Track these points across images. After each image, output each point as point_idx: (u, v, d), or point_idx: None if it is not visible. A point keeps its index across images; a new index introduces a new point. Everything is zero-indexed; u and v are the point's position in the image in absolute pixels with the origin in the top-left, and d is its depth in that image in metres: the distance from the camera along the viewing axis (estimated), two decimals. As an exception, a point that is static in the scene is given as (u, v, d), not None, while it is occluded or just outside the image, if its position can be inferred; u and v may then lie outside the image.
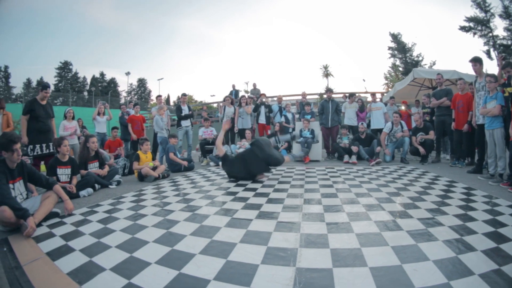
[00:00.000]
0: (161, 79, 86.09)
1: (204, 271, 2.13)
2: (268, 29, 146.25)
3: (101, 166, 6.03)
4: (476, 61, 5.91)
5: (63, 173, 5.06)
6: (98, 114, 9.45)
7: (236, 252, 2.44)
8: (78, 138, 7.66)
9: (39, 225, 3.34)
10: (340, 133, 8.78)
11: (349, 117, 9.79)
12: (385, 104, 10.15)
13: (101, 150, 7.35)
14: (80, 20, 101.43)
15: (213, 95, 19.22)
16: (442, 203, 3.69)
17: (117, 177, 6.16)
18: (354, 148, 7.94)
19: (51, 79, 58.97)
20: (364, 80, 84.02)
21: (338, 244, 2.50)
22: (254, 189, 4.82)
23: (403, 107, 10.71)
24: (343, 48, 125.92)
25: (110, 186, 5.70)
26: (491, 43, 34.61)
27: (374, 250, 2.37)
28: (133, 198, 4.66)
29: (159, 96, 10.26)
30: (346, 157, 8.03)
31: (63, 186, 4.43)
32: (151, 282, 2.03)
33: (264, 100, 10.77)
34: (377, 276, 1.97)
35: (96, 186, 5.43)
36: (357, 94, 11.03)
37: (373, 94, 10.65)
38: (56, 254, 2.58)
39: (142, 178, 6.26)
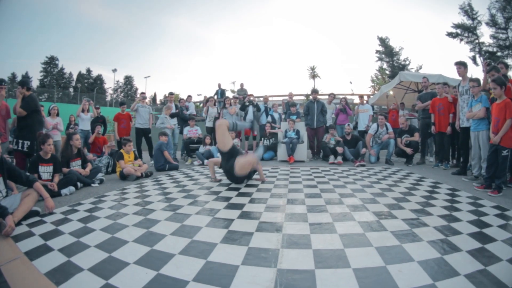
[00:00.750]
0: (148, 77, 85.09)
1: (183, 271, 2.08)
2: (257, 30, 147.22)
3: (84, 164, 5.90)
4: (461, 65, 5.97)
5: (45, 170, 4.93)
6: (83, 111, 9.26)
7: (217, 253, 2.39)
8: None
9: (18, 224, 3.25)
10: (327, 133, 8.74)
11: (327, 117, 9.78)
12: (372, 107, 10.19)
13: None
14: (69, 14, 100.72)
15: (200, 94, 19.16)
16: (427, 203, 3.68)
17: (100, 175, 6.05)
18: (339, 149, 7.92)
19: (36, 74, 58.19)
20: (351, 83, 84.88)
21: (321, 245, 2.46)
22: (237, 189, 4.75)
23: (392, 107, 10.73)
24: (331, 50, 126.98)
25: (92, 185, 5.58)
26: (477, 50, 35.29)
27: (358, 251, 2.33)
28: (115, 197, 4.57)
29: (142, 93, 10.12)
30: (331, 158, 8.01)
31: (44, 184, 4.34)
32: (128, 282, 1.98)
33: (252, 99, 10.71)
34: (361, 278, 1.93)
35: (78, 184, 5.30)
36: (341, 96, 11.02)
37: (361, 97, 10.67)
38: (34, 254, 2.51)
39: (124, 177, 6.15)
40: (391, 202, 3.76)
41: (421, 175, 5.88)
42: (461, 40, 36.72)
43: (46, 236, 2.92)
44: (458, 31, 36.72)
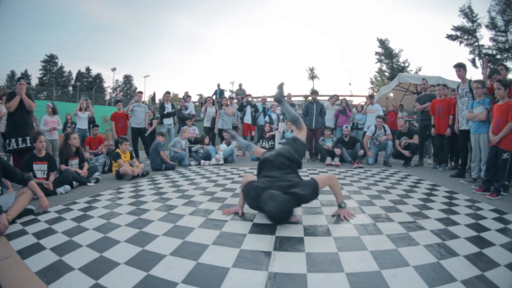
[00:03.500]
0: (147, 76, 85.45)
1: (173, 273, 2.06)
2: (257, 31, 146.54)
3: (81, 163, 5.91)
4: (460, 67, 5.91)
5: (39, 169, 4.90)
6: (80, 109, 9.21)
7: (208, 254, 2.36)
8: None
9: (12, 222, 3.24)
10: (324, 135, 8.69)
11: (328, 119, 9.74)
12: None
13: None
14: (69, 13, 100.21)
15: (199, 94, 19.11)
16: (424, 206, 3.63)
17: (96, 174, 6.03)
18: (337, 151, 7.87)
19: (35, 72, 57.97)
20: (350, 84, 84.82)
21: (315, 248, 2.41)
22: (232, 190, 4.71)
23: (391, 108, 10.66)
24: (331, 51, 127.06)
25: (88, 184, 5.55)
26: (476, 52, 35.20)
27: (352, 254, 2.29)
28: (110, 196, 4.55)
29: (139, 93, 10.05)
30: (328, 159, 7.96)
31: (39, 183, 4.32)
32: (118, 283, 1.97)
33: (250, 99, 10.68)
34: (354, 283, 1.89)
35: (74, 183, 5.28)
36: (341, 98, 10.96)
37: (370, 96, 10.56)
38: (27, 253, 2.51)
39: (121, 176, 6.12)
40: (388, 205, 3.71)
41: (419, 177, 5.82)
42: (461, 42, 36.66)
43: (39, 235, 2.91)
44: (458, 33, 36.65)
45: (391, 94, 12.32)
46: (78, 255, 2.41)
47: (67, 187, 4.96)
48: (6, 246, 2.65)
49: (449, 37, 37.43)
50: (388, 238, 2.59)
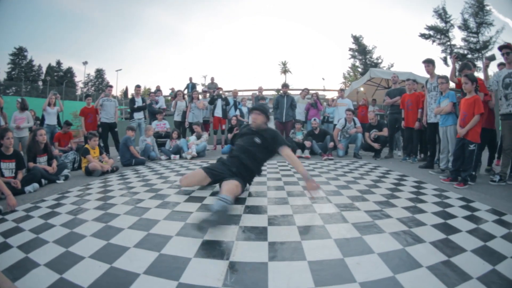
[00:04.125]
0: (119, 70, 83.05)
1: (136, 264, 2.06)
2: (231, 25, 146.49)
3: (50, 160, 5.70)
4: (429, 62, 6.04)
5: (7, 167, 4.69)
6: (49, 105, 8.85)
7: (171, 245, 2.35)
8: (30, 129, 7.12)
9: None
10: (294, 128, 8.66)
11: (299, 112, 9.75)
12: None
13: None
14: (39, 3, 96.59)
15: (171, 88, 18.79)
16: (392, 196, 3.62)
17: (65, 171, 5.81)
18: (307, 143, 7.89)
19: (3, 66, 55.59)
20: (323, 79, 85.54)
21: (277, 237, 2.37)
22: (200, 182, 4.57)
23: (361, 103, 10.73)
24: (304, 46, 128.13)
25: (57, 181, 5.35)
26: (448, 51, 36.21)
27: (315, 243, 2.25)
28: (79, 192, 4.40)
29: (109, 87, 9.76)
30: (298, 152, 7.93)
31: (7, 181, 4.15)
32: (81, 276, 1.94)
33: (221, 92, 10.54)
34: (316, 270, 1.84)
35: (43, 181, 5.10)
36: (313, 92, 10.97)
37: (340, 90, 10.61)
38: None
39: (90, 172, 5.94)
40: (355, 194, 3.68)
41: (388, 168, 5.87)
42: (434, 41, 37.64)
43: (6, 234, 2.81)
44: (431, 32, 37.60)
45: (362, 89, 12.49)
46: (44, 251, 2.38)
47: (36, 185, 4.78)
48: None
49: (422, 35, 38.37)
50: (353, 226, 2.55)
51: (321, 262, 1.93)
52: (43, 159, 5.52)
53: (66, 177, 5.62)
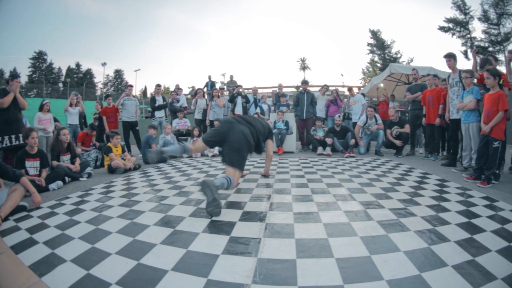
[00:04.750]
0: (138, 70, 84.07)
1: (163, 261, 2.07)
2: (249, 22, 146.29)
3: (73, 158, 5.84)
4: (451, 57, 5.90)
5: (32, 165, 4.85)
6: (70, 105, 9.08)
7: (198, 242, 2.36)
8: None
9: (5, 219, 3.22)
10: (315, 125, 8.69)
11: (319, 109, 9.70)
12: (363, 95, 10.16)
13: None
14: (57, 8, 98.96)
15: (191, 87, 18.87)
16: (415, 194, 3.62)
17: (88, 169, 5.95)
18: (329, 140, 7.90)
19: (25, 70, 57.31)
20: (342, 75, 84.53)
21: (304, 234, 2.40)
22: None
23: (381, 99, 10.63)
24: (323, 42, 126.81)
25: (80, 179, 5.51)
26: (468, 44, 35.32)
27: (342, 240, 2.28)
28: (102, 190, 4.50)
29: (129, 86, 9.93)
30: (320, 149, 7.97)
31: (32, 179, 4.27)
32: (108, 272, 1.97)
33: (240, 90, 10.60)
34: (344, 268, 1.87)
35: (66, 179, 5.23)
36: (332, 88, 10.95)
37: (349, 89, 10.55)
38: (19, 247, 2.50)
39: (113, 170, 6.08)
40: (379, 192, 3.70)
41: (411, 166, 5.83)
42: (453, 34, 36.76)
43: (32, 230, 2.90)
44: (450, 25, 36.74)
45: (382, 85, 12.35)
46: (70, 247, 2.41)
47: (60, 183, 4.91)
48: (0, 243, 2.64)
49: (442, 28, 37.53)
50: (378, 224, 2.58)
51: (348, 260, 1.96)
52: (66, 158, 5.66)
53: (89, 175, 5.77)
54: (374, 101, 10.92)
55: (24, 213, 3.45)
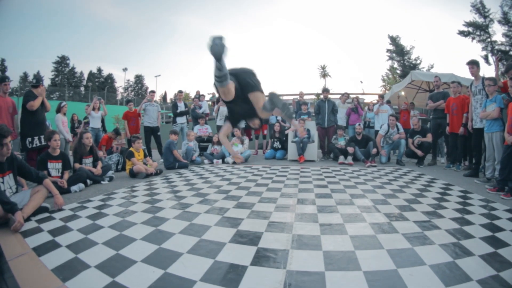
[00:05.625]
0: (159, 75, 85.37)
1: (191, 271, 2.07)
2: (268, 29, 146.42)
3: (95, 162, 5.99)
4: (473, 64, 5.85)
5: (54, 167, 4.98)
6: (93, 109, 9.36)
7: (225, 252, 2.37)
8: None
9: (27, 219, 3.30)
10: (336, 133, 8.72)
11: (339, 117, 9.71)
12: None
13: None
14: (79, 14, 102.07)
15: (211, 93, 18.86)
16: (439, 206, 3.63)
17: (109, 173, 6.10)
18: (350, 149, 7.90)
19: (48, 73, 58.93)
20: (361, 82, 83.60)
21: (332, 246, 2.44)
22: (247, 188, 4.76)
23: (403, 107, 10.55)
24: (342, 49, 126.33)
25: (102, 182, 5.64)
26: (489, 48, 34.62)
27: (368, 253, 2.31)
28: (124, 194, 4.60)
29: (152, 92, 10.16)
30: (341, 158, 7.99)
31: (54, 181, 4.38)
32: (135, 281, 1.97)
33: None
34: (372, 281, 1.90)
35: (88, 181, 5.36)
36: (352, 96, 10.95)
37: (380, 96, 10.50)
38: (42, 250, 2.53)
39: (134, 174, 6.20)
40: (402, 204, 3.72)
41: (433, 176, 5.81)
42: (473, 38, 36.06)
43: (54, 232, 2.96)
44: (470, 29, 36.09)
45: (403, 93, 12.24)
46: (94, 252, 2.44)
47: (81, 185, 5.04)
48: (22, 243, 2.69)
49: (461, 33, 36.90)
50: (403, 237, 2.60)
51: (375, 273, 1.98)
52: (88, 161, 5.82)
53: (111, 178, 5.91)
54: (395, 109, 10.84)
55: (46, 214, 3.56)
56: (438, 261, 2.14)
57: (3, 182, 3.57)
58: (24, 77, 53.81)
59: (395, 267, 2.06)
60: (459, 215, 3.23)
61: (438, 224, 2.93)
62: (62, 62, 60.78)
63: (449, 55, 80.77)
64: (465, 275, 1.95)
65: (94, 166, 5.89)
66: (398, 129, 8.10)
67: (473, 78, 5.97)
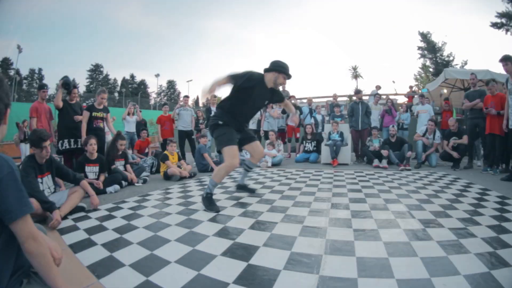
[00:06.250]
0: (190, 80, 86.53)
1: (224, 273, 2.11)
2: (298, 32, 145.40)
3: (126, 165, 6.18)
4: (507, 60, 5.62)
5: (91, 170, 5.21)
6: (128, 114, 9.68)
7: (259, 256, 2.40)
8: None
9: (64, 218, 3.51)
10: (371, 135, 8.64)
11: (373, 119, 9.58)
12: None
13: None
14: (111, 24, 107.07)
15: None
16: (475, 212, 3.54)
17: (144, 174, 6.28)
18: (385, 152, 7.80)
19: (82, 81, 61.58)
20: (393, 82, 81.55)
21: (365, 253, 2.43)
22: (280, 192, 4.80)
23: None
24: (373, 49, 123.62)
25: (136, 184, 5.82)
26: (525, 40, 32.75)
27: (402, 260, 2.29)
28: (159, 196, 4.74)
29: (186, 97, 10.37)
30: (375, 161, 7.90)
31: (90, 182, 4.58)
32: (169, 281, 2.03)
33: (293, 101, 10.71)
34: None
35: (123, 183, 5.57)
36: (384, 96, 10.79)
37: (421, 96, 10.25)
38: (78, 247, 2.67)
39: (168, 177, 6.36)
40: (437, 210, 3.66)
41: (469, 180, 5.66)
42: (507, 30, 33.78)
43: (90, 231, 3.11)
44: (503, 20, 33.73)
45: (445, 90, 11.87)
46: (128, 251, 2.54)
47: (117, 186, 5.25)
48: (58, 240, 2.83)
49: (494, 25, 34.68)
50: (438, 244, 2.57)
51: (408, 281, 1.97)
52: (120, 163, 6.01)
53: (145, 181, 6.10)
54: (435, 109, 10.51)
55: (83, 214, 3.75)
56: (473, 271, 2.10)
57: (42, 183, 3.80)
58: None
59: (428, 276, 2.03)
60: (496, 223, 3.15)
61: (474, 232, 2.86)
62: (96, 69, 63.64)
63: (483, 49, 77.30)
64: (501, 287, 1.91)
65: (125, 169, 6.10)
66: (434, 135, 7.93)
67: (508, 75, 5.74)
